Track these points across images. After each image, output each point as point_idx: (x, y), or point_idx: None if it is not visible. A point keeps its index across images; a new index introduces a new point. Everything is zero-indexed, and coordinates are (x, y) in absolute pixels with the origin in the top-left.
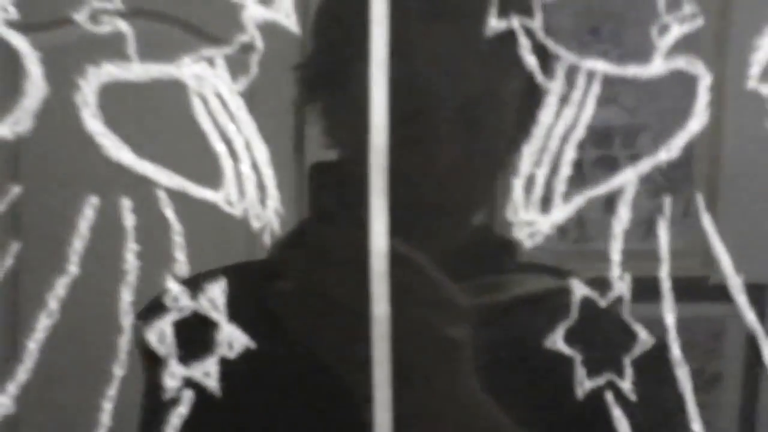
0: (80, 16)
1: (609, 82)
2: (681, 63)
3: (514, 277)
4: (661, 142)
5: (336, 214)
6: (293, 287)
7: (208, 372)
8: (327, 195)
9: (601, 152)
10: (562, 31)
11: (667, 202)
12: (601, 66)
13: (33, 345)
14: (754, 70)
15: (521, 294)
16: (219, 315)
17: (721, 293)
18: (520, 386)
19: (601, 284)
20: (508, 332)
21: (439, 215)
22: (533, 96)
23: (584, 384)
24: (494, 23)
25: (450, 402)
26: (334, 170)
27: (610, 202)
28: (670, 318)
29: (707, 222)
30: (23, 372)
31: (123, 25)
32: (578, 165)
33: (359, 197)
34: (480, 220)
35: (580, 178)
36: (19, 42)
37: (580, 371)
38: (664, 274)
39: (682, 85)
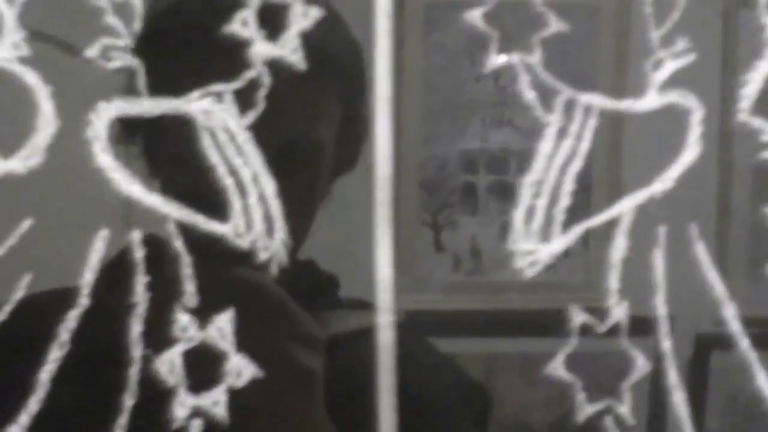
0: (91, 52)
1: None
2: (674, 97)
3: (337, 312)
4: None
5: None
6: None
7: (217, 401)
8: None
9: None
10: None
11: (662, 232)
12: (597, 100)
13: (45, 375)
14: (744, 103)
15: (345, 330)
16: (227, 344)
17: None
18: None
19: (599, 312)
20: (332, 369)
21: None
22: (353, 124)
23: (585, 409)
24: (494, 60)
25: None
26: None
27: (504, 231)
28: (666, 344)
29: (702, 252)
30: (35, 402)
31: (133, 61)
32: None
33: None
34: (305, 255)
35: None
36: (31, 77)
37: (580, 397)
38: (660, 301)
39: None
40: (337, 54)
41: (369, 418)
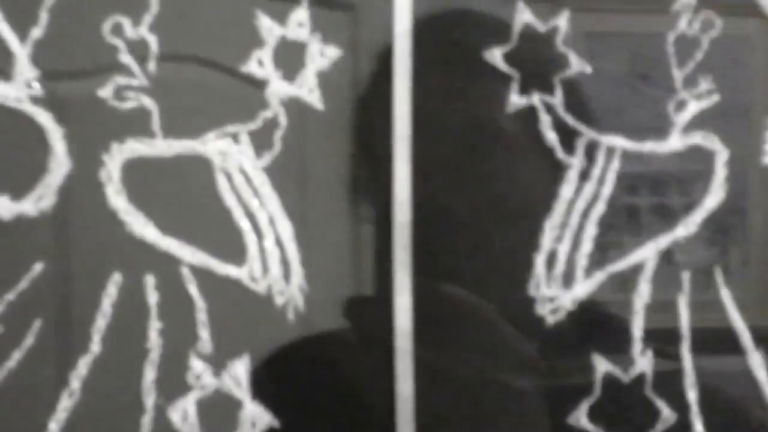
0: (105, 93)
1: None
2: (698, 139)
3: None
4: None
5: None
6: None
7: None
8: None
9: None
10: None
11: (686, 277)
12: (620, 142)
13: (54, 426)
14: None
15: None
16: (242, 393)
17: None
18: None
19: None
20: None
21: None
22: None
23: None
24: (515, 99)
25: None
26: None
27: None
28: (692, 394)
29: (726, 296)
30: None
31: (148, 101)
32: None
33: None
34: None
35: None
36: (43, 118)
37: None
38: (686, 350)
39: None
40: None
41: None
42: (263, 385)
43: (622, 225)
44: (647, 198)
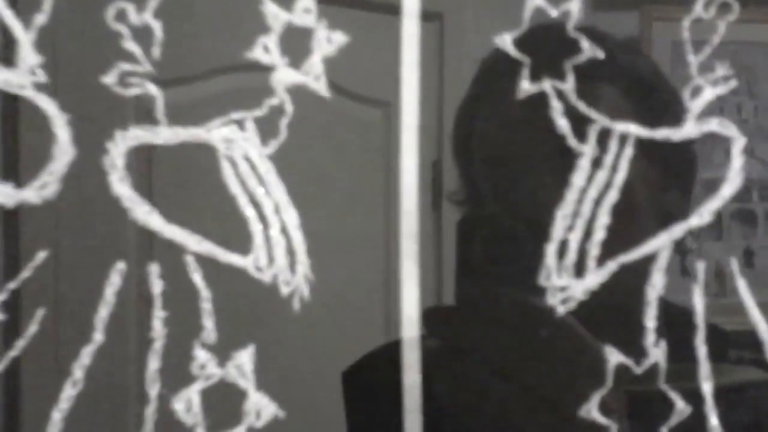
0: (109, 79)
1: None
2: (713, 126)
3: (725, 366)
4: None
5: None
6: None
7: None
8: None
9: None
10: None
11: (702, 267)
12: (634, 129)
13: (58, 415)
14: None
15: (727, 383)
16: (247, 383)
17: None
18: None
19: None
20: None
21: None
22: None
23: None
24: (526, 86)
25: None
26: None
27: (748, 254)
28: (707, 386)
29: (743, 287)
30: None
31: (152, 88)
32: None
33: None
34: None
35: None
36: (47, 105)
37: None
38: (700, 341)
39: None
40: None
41: None
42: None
43: None
44: None
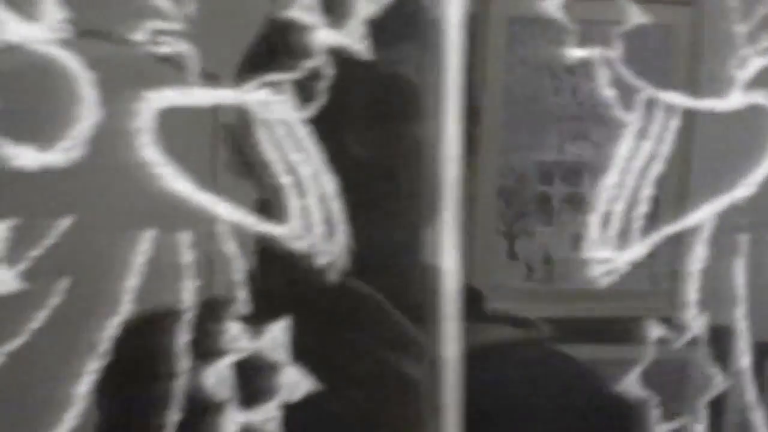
0: (139, 37)
1: None
2: (759, 97)
3: (478, 326)
4: None
5: None
6: None
7: (269, 417)
8: None
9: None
10: None
11: (744, 240)
12: (679, 99)
13: (82, 390)
14: None
15: (486, 344)
16: (281, 356)
17: None
18: None
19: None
20: (472, 383)
21: None
22: None
23: (658, 428)
24: (573, 53)
25: None
26: None
27: (577, 239)
28: (744, 361)
29: None
30: (71, 419)
31: (184, 47)
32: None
33: None
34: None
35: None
36: (72, 63)
37: (654, 414)
38: (740, 315)
39: None
40: None
41: None
42: None
43: None
44: None
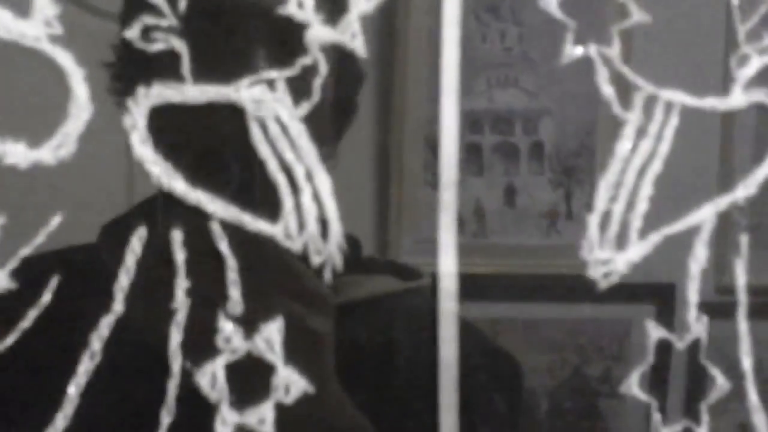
0: (131, 33)
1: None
2: (761, 95)
3: (358, 277)
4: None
5: None
6: None
7: (263, 418)
8: None
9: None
10: None
11: (744, 240)
12: (680, 97)
13: (73, 389)
14: None
15: (364, 295)
16: (275, 357)
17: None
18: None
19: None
20: (350, 335)
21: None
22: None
23: (661, 431)
24: (570, 51)
25: (317, 400)
26: None
27: (510, 193)
28: (747, 362)
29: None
30: (62, 419)
31: (177, 43)
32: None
33: None
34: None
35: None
36: (64, 59)
37: (655, 418)
38: (742, 315)
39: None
40: None
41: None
42: None
43: None
44: None
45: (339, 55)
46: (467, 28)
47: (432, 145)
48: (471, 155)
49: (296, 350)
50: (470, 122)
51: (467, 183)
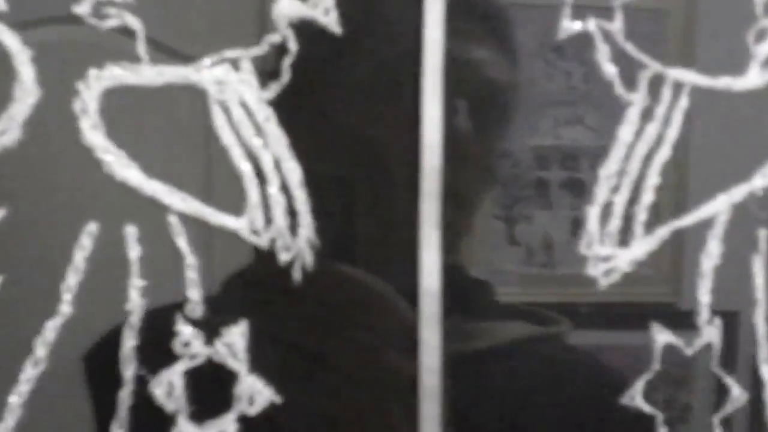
0: (82, 9)
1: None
2: None
3: (493, 324)
4: None
5: None
6: None
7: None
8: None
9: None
10: None
11: (763, 235)
12: (690, 76)
13: (16, 399)
14: None
15: (500, 342)
16: (238, 364)
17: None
18: None
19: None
20: (488, 382)
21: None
22: None
23: None
24: (568, 25)
25: None
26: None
27: (576, 224)
28: (766, 370)
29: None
30: (4, 429)
31: (132, 20)
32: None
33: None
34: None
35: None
36: (8, 38)
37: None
38: (760, 317)
39: None
40: None
41: None
42: None
43: None
44: None
45: None
46: (533, 69)
47: (501, 182)
48: (539, 190)
49: (379, 389)
50: (538, 158)
51: (536, 216)
